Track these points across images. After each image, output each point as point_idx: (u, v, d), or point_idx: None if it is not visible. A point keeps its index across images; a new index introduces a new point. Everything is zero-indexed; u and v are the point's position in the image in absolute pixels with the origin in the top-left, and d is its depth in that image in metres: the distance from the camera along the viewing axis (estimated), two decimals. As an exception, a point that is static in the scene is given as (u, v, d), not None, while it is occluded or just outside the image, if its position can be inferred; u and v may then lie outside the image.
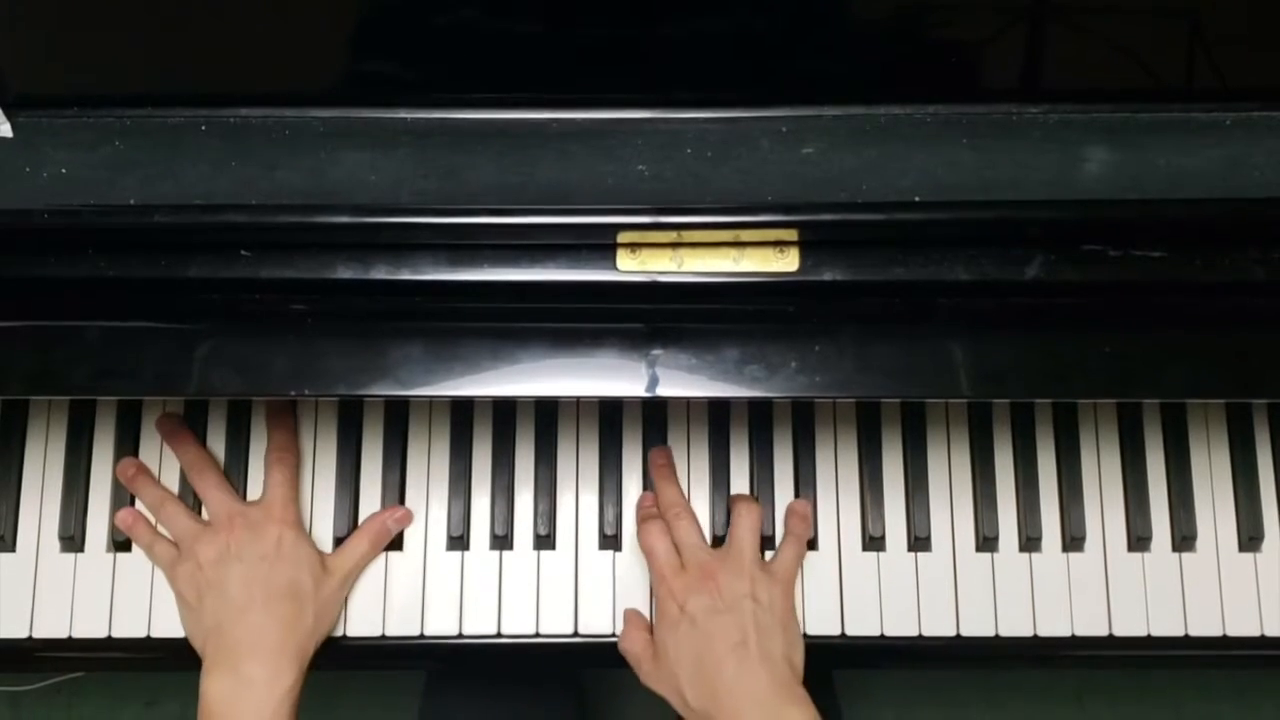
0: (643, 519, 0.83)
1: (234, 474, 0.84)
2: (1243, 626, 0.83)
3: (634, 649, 0.80)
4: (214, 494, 0.81)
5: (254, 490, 0.84)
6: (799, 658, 0.77)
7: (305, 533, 0.81)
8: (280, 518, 0.80)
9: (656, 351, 0.72)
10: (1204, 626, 0.83)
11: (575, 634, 0.83)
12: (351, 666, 0.85)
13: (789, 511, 0.84)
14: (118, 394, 0.83)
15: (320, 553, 0.81)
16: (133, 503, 0.85)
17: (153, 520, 0.83)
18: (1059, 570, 0.84)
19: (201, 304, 0.71)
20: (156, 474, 0.85)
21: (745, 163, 0.68)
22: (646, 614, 0.83)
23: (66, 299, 0.71)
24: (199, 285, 0.69)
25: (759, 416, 0.86)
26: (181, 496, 0.84)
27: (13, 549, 0.84)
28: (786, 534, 0.83)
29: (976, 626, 0.83)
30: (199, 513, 0.83)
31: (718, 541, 0.84)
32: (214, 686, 0.74)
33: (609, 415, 0.86)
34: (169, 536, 0.82)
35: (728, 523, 0.84)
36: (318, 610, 0.78)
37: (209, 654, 0.76)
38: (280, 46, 0.69)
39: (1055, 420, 0.86)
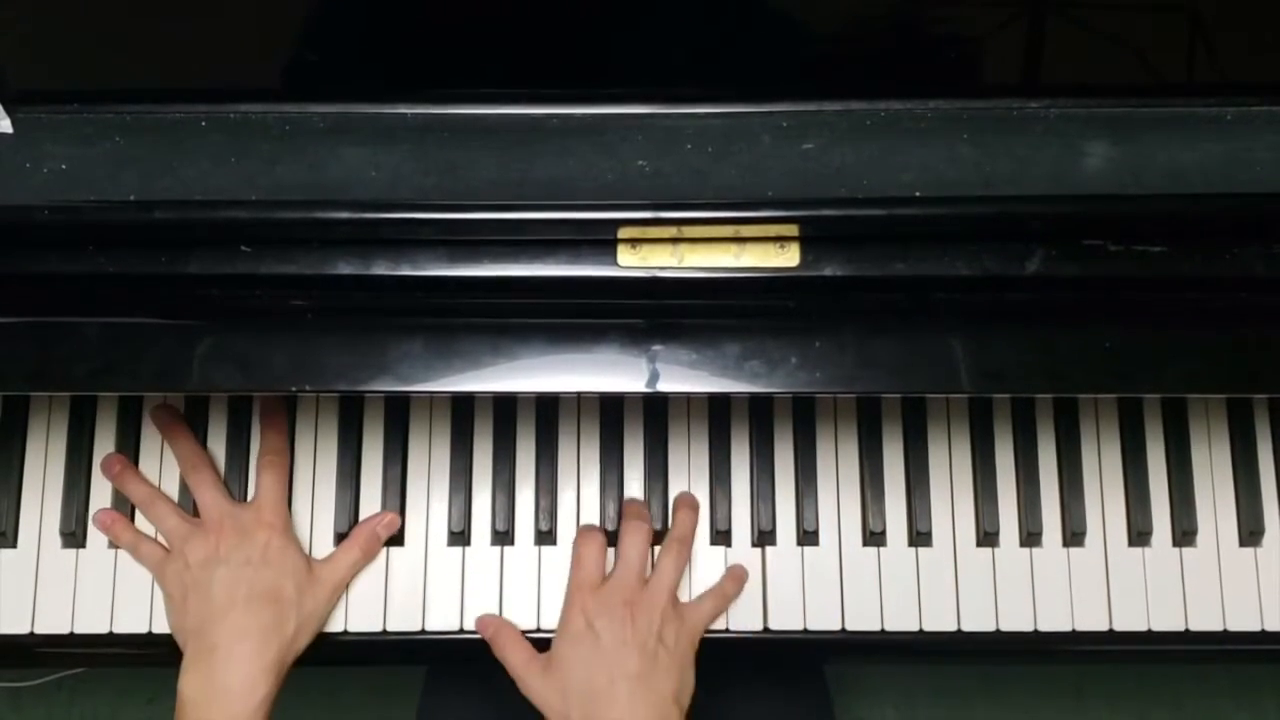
0: (585, 527, 0.83)
1: (234, 472, 0.84)
2: (1243, 621, 0.83)
3: (518, 659, 0.79)
4: (207, 492, 0.81)
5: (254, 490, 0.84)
6: (687, 701, 0.77)
7: (294, 538, 0.81)
8: (269, 522, 0.79)
9: (657, 347, 0.72)
10: (1204, 621, 0.83)
11: (576, 629, 0.83)
12: (352, 662, 0.85)
13: (727, 574, 0.83)
14: (118, 390, 0.83)
15: (309, 560, 0.81)
16: (118, 501, 0.84)
17: (133, 517, 0.83)
18: (1059, 565, 0.84)
19: (202, 300, 0.71)
20: (157, 472, 0.85)
21: (746, 158, 0.68)
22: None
23: (67, 295, 0.71)
24: (199, 281, 0.69)
25: (759, 412, 0.86)
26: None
27: (14, 545, 0.84)
28: (716, 588, 0.82)
29: (977, 621, 0.83)
30: (185, 507, 0.83)
31: (720, 536, 0.84)
32: (190, 687, 0.75)
33: (610, 411, 0.86)
34: (157, 534, 0.82)
35: (730, 517, 0.84)
36: (300, 620, 0.78)
37: (188, 654, 0.76)
38: (281, 42, 0.69)
39: (1056, 415, 0.86)
